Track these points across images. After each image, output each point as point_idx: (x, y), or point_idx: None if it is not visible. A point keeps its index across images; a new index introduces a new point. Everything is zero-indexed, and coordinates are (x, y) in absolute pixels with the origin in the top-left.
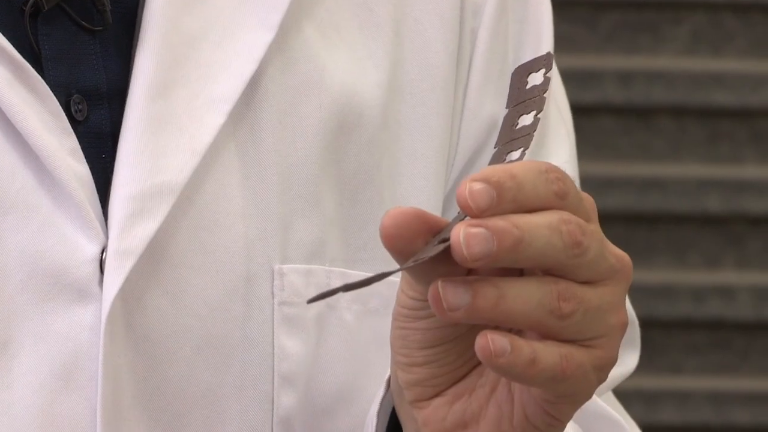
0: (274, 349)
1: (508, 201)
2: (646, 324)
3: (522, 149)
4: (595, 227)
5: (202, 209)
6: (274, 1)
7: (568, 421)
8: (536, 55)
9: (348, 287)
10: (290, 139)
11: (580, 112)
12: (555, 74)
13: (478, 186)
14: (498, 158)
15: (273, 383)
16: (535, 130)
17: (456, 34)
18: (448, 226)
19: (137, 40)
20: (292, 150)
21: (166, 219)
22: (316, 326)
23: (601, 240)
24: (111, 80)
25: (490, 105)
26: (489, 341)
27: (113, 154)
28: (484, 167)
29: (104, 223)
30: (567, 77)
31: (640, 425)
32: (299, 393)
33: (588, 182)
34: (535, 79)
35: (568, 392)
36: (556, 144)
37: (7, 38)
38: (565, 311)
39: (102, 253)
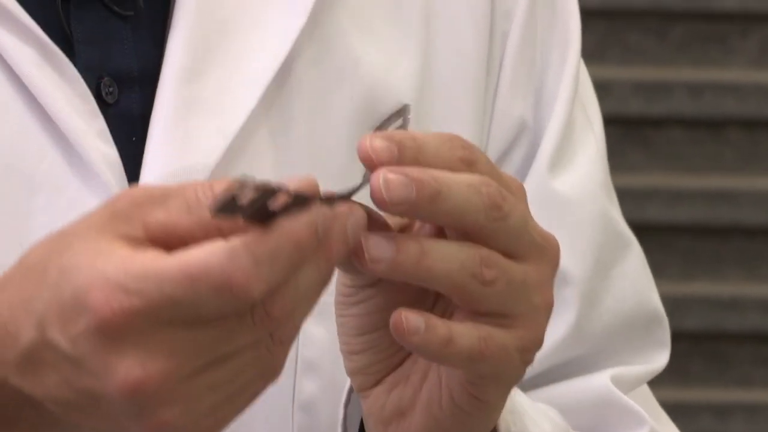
0: (299, 335)
1: (409, 159)
2: (716, 336)
3: None
4: (520, 203)
5: None
6: None
7: (495, 402)
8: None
9: (252, 212)
10: (321, 129)
11: (649, 123)
12: (584, 75)
13: (379, 141)
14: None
15: (296, 369)
16: None
17: (487, 36)
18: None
19: (170, 25)
20: (322, 140)
21: None
22: None
23: (524, 214)
24: (142, 64)
25: (519, 107)
26: (403, 318)
27: (143, 138)
28: (512, 168)
29: None
30: (637, 89)
31: None
32: (323, 379)
33: (658, 194)
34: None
35: (490, 373)
36: (582, 143)
37: (38, 22)
38: (487, 277)
39: None
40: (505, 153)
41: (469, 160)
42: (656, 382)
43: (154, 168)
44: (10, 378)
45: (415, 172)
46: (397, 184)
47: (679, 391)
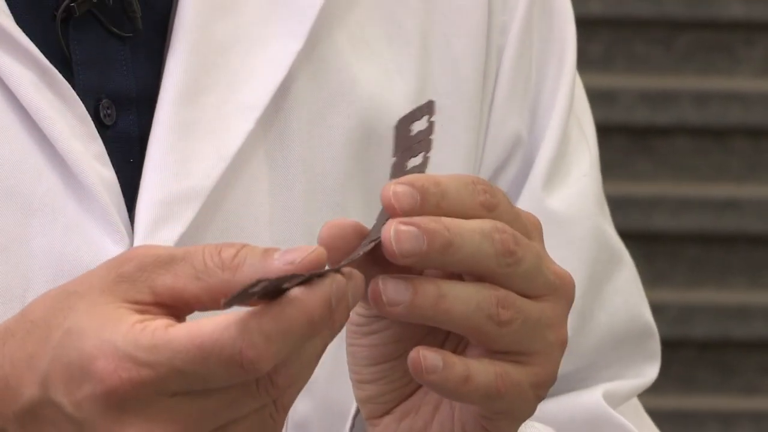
0: None
1: (431, 206)
2: (721, 344)
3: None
4: (535, 243)
5: (229, 215)
6: (303, 11)
7: None
8: (560, 74)
9: (264, 293)
10: (318, 148)
11: (656, 132)
12: (579, 88)
13: (401, 188)
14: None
15: None
16: (425, 169)
17: (483, 50)
18: (373, 230)
19: (168, 47)
20: (319, 159)
21: (192, 224)
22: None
23: (538, 255)
24: (140, 86)
25: (514, 121)
26: (420, 357)
27: (141, 159)
28: (506, 182)
29: (130, 227)
30: (643, 98)
31: None
32: (316, 399)
33: (664, 203)
34: (420, 126)
35: (505, 409)
36: (577, 157)
37: (37, 43)
38: (504, 318)
39: None
40: (500, 168)
41: (490, 204)
42: (662, 390)
43: (151, 190)
44: (9, 429)
45: (427, 223)
46: (408, 237)
47: (685, 398)
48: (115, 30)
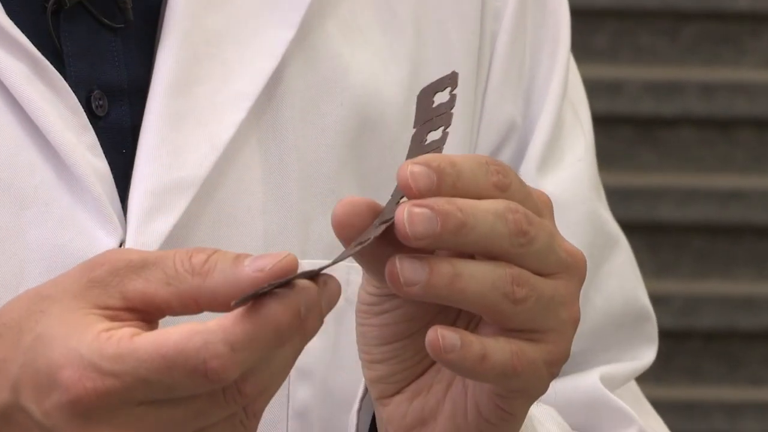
0: None
1: (447, 186)
2: (727, 335)
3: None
4: (546, 221)
5: (222, 204)
6: (295, 0)
7: (521, 415)
8: (554, 60)
9: (274, 285)
10: (312, 136)
11: (661, 124)
12: (574, 73)
13: (418, 168)
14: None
15: (289, 377)
16: (444, 144)
17: (477, 36)
18: (386, 209)
19: (159, 38)
20: (313, 146)
21: (185, 214)
22: (335, 321)
23: (551, 233)
24: (132, 77)
25: (508, 106)
26: (439, 336)
27: (133, 150)
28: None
29: (123, 217)
30: (648, 88)
31: None
32: (316, 387)
33: (669, 194)
34: (442, 98)
35: (520, 387)
36: (571, 142)
37: (28, 35)
38: (518, 296)
39: (120, 247)
40: (494, 152)
41: (502, 184)
42: (668, 381)
43: (144, 181)
44: None
45: (441, 204)
46: (422, 219)
47: (691, 389)
48: (106, 21)
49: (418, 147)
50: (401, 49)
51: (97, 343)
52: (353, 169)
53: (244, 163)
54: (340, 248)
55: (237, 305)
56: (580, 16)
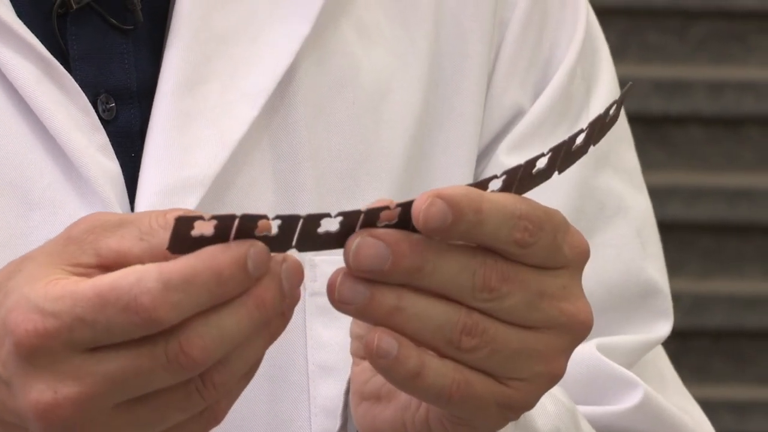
0: (306, 339)
1: (459, 231)
2: (735, 334)
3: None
4: (546, 279)
5: (232, 204)
6: None
7: None
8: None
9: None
10: (324, 134)
11: (669, 122)
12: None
13: (440, 205)
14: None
15: (307, 373)
16: (581, 155)
17: (491, 25)
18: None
19: (167, 37)
20: (326, 144)
21: None
22: None
23: (537, 293)
24: (142, 79)
25: (513, 93)
26: (376, 339)
27: (143, 153)
28: (497, 156)
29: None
30: (657, 87)
31: None
32: (340, 382)
33: (678, 192)
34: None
35: (462, 417)
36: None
37: (36, 37)
38: (465, 345)
39: None
40: (494, 140)
41: (525, 243)
42: None
43: (151, 181)
44: None
45: (400, 243)
46: (370, 252)
47: (699, 388)
48: (115, 23)
49: (557, 149)
50: (420, 42)
51: (42, 287)
52: (369, 167)
53: (255, 162)
54: None
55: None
56: None
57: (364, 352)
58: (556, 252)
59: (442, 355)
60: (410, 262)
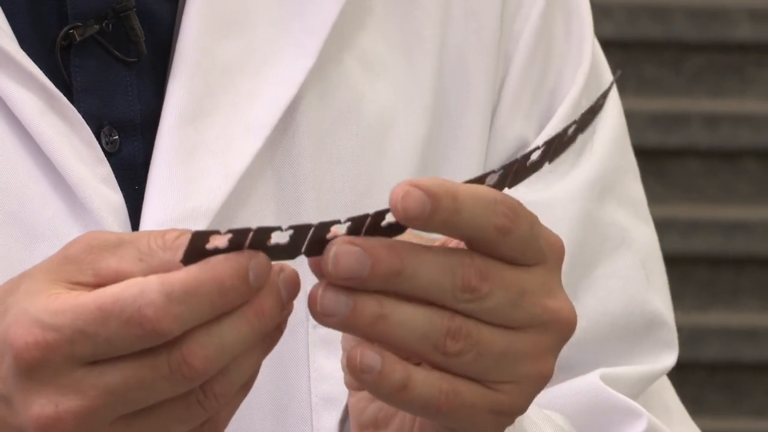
0: (309, 371)
1: (439, 219)
2: (731, 367)
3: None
4: (525, 275)
5: None
6: (314, 29)
7: None
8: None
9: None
10: (327, 166)
11: (666, 154)
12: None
13: (417, 193)
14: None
15: (311, 405)
16: (570, 145)
17: (495, 58)
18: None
19: (170, 69)
20: (329, 176)
21: None
22: None
23: (518, 290)
24: (145, 111)
25: (518, 126)
26: (358, 354)
27: (146, 185)
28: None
29: None
30: (653, 120)
31: None
32: (342, 415)
33: (675, 225)
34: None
35: (455, 427)
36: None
37: (40, 69)
38: (451, 350)
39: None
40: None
41: (505, 229)
42: None
43: (154, 213)
44: None
45: (377, 248)
46: (349, 258)
47: (696, 420)
48: (119, 55)
49: (550, 142)
50: (425, 75)
51: (43, 301)
52: (374, 200)
53: (259, 194)
54: None
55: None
56: None
57: (347, 368)
58: (533, 244)
59: (429, 363)
60: (388, 265)
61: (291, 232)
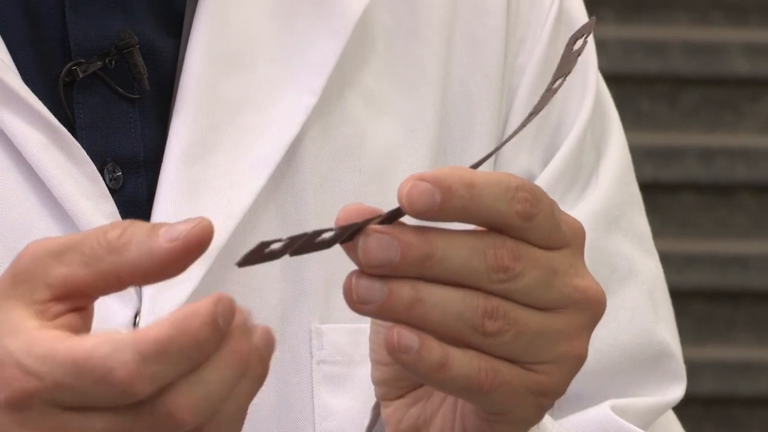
0: (314, 408)
1: (454, 209)
2: (727, 401)
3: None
4: (554, 255)
5: (240, 274)
6: (317, 67)
7: None
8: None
9: (294, 250)
10: (331, 202)
11: (661, 189)
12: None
13: (423, 185)
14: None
15: None
16: (556, 91)
17: (499, 91)
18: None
19: (174, 106)
20: (332, 211)
21: (201, 283)
22: (368, 382)
23: (549, 269)
24: (149, 147)
25: (524, 159)
26: (395, 335)
27: (150, 221)
28: None
29: (139, 288)
30: (648, 154)
31: None
32: None
33: (669, 259)
34: (578, 46)
35: (497, 410)
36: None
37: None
38: (490, 329)
39: (136, 317)
40: None
41: (528, 214)
42: None
43: None
44: None
45: (405, 234)
46: (378, 246)
47: None
48: (122, 92)
49: (546, 93)
50: (429, 110)
51: (27, 343)
52: None
53: (263, 229)
54: None
55: (242, 264)
56: None
57: (386, 350)
58: (557, 228)
59: (468, 345)
60: (419, 250)
61: (332, 233)
